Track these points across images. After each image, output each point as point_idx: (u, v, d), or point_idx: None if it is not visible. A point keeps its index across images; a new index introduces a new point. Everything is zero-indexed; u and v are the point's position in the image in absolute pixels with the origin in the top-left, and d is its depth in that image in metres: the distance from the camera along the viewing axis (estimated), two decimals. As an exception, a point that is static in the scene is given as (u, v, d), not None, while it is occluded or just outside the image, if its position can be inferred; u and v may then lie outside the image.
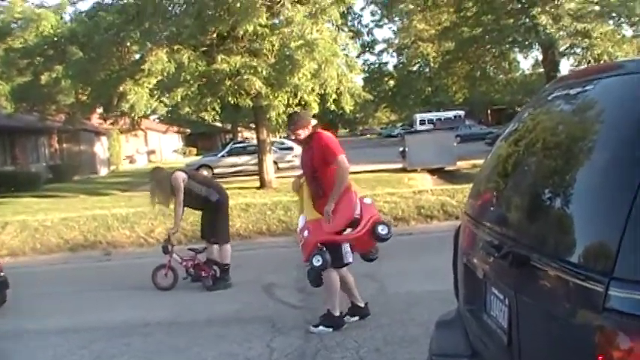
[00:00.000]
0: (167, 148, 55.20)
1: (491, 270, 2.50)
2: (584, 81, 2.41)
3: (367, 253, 6.12)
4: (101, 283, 8.75)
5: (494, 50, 29.54)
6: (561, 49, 26.17)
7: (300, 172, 6.18)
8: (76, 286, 8.65)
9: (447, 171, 23.63)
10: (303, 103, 18.08)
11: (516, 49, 29.46)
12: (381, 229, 5.74)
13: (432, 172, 23.20)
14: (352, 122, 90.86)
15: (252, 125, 23.98)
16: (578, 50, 26.01)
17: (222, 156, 29.93)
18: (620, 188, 1.77)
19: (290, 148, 27.93)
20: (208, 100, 18.74)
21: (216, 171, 28.39)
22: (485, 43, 28.71)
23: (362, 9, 37.36)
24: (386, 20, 32.58)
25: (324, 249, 5.61)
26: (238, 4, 16.33)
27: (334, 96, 18.16)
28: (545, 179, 2.29)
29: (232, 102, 18.48)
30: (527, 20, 25.41)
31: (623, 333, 1.58)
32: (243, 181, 24.03)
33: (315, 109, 18.41)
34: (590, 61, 24.99)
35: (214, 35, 18.01)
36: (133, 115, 18.30)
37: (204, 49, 18.16)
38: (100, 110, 22.95)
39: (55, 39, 20.39)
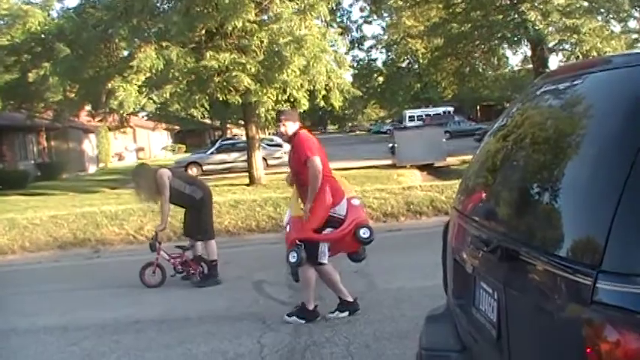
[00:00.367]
0: (156, 146, 55.07)
1: (480, 264, 2.51)
2: (573, 76, 2.41)
3: (354, 253, 6.16)
4: (91, 281, 8.72)
5: (483, 46, 29.63)
6: (550, 44, 26.28)
7: None
8: (66, 284, 8.62)
9: (437, 167, 23.71)
10: (292, 99, 18.08)
11: (505, 45, 29.53)
12: (363, 233, 5.82)
13: (421, 168, 23.28)
14: (341, 119, 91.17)
15: (242, 122, 23.91)
16: (567, 46, 26.13)
17: (212, 153, 29.88)
18: (608, 182, 1.78)
19: (279, 145, 27.91)
20: (197, 96, 18.71)
21: (205, 168, 28.36)
22: (474, 39, 28.78)
23: (351, 5, 37.76)
24: (375, 16, 32.56)
25: (301, 246, 5.71)
26: (227, 1, 16.30)
27: (323, 92, 18.17)
28: (533, 174, 2.30)
29: (221, 99, 18.47)
30: (516, 16, 25.46)
31: (611, 325, 1.59)
32: (233, 177, 24.02)
33: (305, 105, 18.42)
34: (578, 56, 25.08)
35: (203, 32, 17.97)
36: (121, 112, 18.21)
37: (193, 45, 18.10)
38: (88, 107, 22.82)
39: (43, 36, 20.29)
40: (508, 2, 26.76)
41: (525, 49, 30.38)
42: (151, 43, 17.12)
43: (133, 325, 6.32)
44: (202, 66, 17.13)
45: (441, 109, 51.98)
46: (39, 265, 10.61)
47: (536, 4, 23.94)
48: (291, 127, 5.93)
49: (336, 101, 18.69)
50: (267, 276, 7.79)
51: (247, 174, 21.23)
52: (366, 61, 40.66)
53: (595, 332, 1.61)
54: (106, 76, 18.42)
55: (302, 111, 18.39)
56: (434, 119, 47.09)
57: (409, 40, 45.07)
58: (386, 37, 46.80)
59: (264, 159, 24.12)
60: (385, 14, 35.06)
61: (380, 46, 47.05)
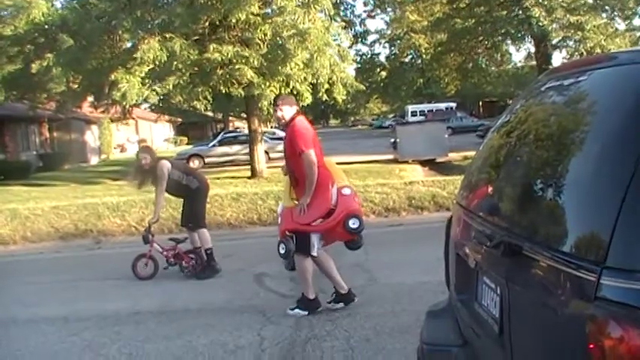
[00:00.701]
0: (158, 137, 55.03)
1: (483, 259, 2.51)
2: (578, 72, 2.41)
3: (350, 242, 6.12)
4: (92, 272, 8.72)
5: (486, 42, 29.62)
6: (554, 41, 26.25)
7: None
8: (67, 275, 8.62)
9: (439, 162, 23.71)
10: (295, 92, 18.07)
11: (509, 42, 29.53)
12: (352, 223, 5.75)
13: (423, 163, 23.28)
14: (344, 113, 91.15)
15: (244, 115, 23.92)
16: (571, 43, 26.09)
17: (214, 145, 29.87)
18: (613, 178, 1.78)
19: (281, 138, 27.86)
20: (200, 89, 18.72)
21: (207, 160, 28.37)
22: (477, 34, 28.78)
23: (354, -1, 37.37)
24: (378, 11, 32.49)
25: (291, 237, 5.71)
26: (231, -7, 16.28)
27: (326, 86, 18.16)
28: (537, 170, 2.30)
29: (224, 91, 18.47)
30: (520, 12, 25.44)
31: (615, 322, 1.58)
32: (235, 170, 24.03)
33: (308, 98, 18.43)
34: (582, 53, 25.06)
35: (206, 24, 17.95)
36: (124, 103, 18.21)
37: (196, 37, 18.10)
38: (90, 99, 22.80)
39: (46, 27, 20.26)
40: (512, -2, 26.73)
41: (529, 46, 30.45)
42: (155, 34, 17.12)
43: (133, 317, 6.33)
44: (205, 58, 17.13)
45: (443, 105, 51.97)
46: (40, 256, 10.62)
47: (540, 1, 23.88)
48: (287, 111, 5.89)
49: (340, 95, 18.70)
50: (268, 269, 7.79)
51: (249, 167, 21.25)
52: (369, 56, 40.62)
53: (598, 328, 1.61)
54: (109, 67, 18.41)
55: (305, 105, 18.39)
56: (436, 115, 47.00)
57: (412, 35, 45.06)
58: (389, 31, 46.78)
59: (266, 152, 24.13)
60: (389, 9, 35.04)
61: (383, 41, 47.01)
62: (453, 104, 52.76)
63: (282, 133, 27.32)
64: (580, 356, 1.69)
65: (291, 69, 17.05)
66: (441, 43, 32.36)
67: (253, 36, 17.42)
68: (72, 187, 21.36)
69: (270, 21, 17.41)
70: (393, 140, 25.13)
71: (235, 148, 28.37)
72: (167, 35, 17.02)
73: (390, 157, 24.65)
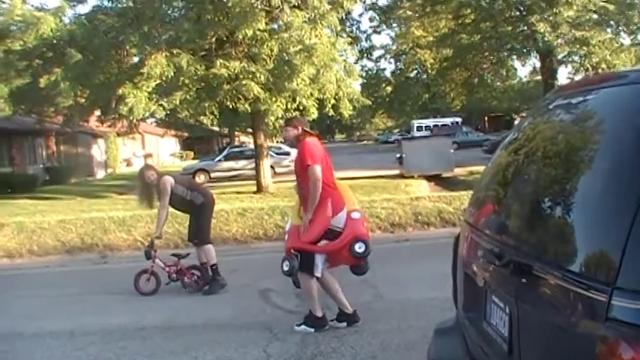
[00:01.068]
0: (164, 152, 55.19)
1: (492, 278, 2.50)
2: (586, 90, 2.41)
3: (355, 267, 6.12)
4: (98, 286, 8.72)
5: (492, 57, 29.68)
6: (559, 56, 26.26)
7: None
8: (73, 289, 8.63)
9: (444, 177, 23.68)
10: (301, 107, 18.12)
11: (514, 57, 29.57)
12: (358, 247, 5.77)
13: (428, 178, 23.25)
14: (349, 128, 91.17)
15: (250, 130, 23.98)
16: (576, 58, 26.09)
17: (220, 160, 29.92)
18: (622, 197, 1.78)
19: (287, 153, 27.93)
20: (207, 104, 18.80)
21: (213, 175, 28.42)
22: (483, 50, 28.83)
23: (360, 15, 37.62)
24: (384, 26, 32.55)
25: (296, 256, 5.73)
26: (237, 9, 16.39)
27: (333, 101, 18.21)
28: (546, 188, 2.30)
29: (230, 106, 18.51)
30: (526, 28, 25.50)
31: (626, 343, 1.57)
32: (240, 185, 24.04)
33: (314, 114, 18.47)
34: (587, 68, 25.08)
35: (213, 40, 18.06)
36: (131, 118, 18.28)
37: (203, 53, 18.19)
38: (97, 113, 22.90)
39: (54, 41, 20.36)
40: (517, 14, 26.80)
41: (534, 61, 30.48)
42: (162, 50, 17.21)
43: (139, 332, 6.31)
44: (212, 74, 17.21)
45: (448, 120, 51.97)
46: (46, 270, 10.63)
47: (545, 16, 23.93)
48: (291, 132, 6.01)
49: (346, 110, 18.74)
50: (274, 284, 7.78)
51: (255, 182, 21.26)
52: (374, 71, 40.69)
53: (609, 349, 1.60)
54: (117, 82, 18.50)
55: (311, 119, 18.42)
56: (442, 129, 47.01)
57: (418, 50, 45.14)
58: (395, 47, 46.84)
59: (272, 167, 24.16)
60: (394, 24, 35.06)
61: (388, 56, 47.08)
62: (459, 119, 52.76)
63: (287, 148, 27.43)
64: (590, 377, 1.68)
65: (298, 84, 17.10)
66: (447, 58, 32.43)
67: (260, 51, 17.50)
68: (78, 200, 21.41)
69: (276, 37, 17.49)
70: (398, 155, 25.14)
71: (241, 162, 28.40)
72: (174, 50, 17.12)
73: (396, 172, 24.64)
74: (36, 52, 21.01)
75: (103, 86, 19.01)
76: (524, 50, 27.26)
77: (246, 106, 17.94)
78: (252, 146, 25.24)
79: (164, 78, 16.97)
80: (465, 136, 46.93)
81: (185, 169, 29.12)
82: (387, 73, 45.93)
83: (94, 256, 11.37)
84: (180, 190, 7.89)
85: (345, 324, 5.89)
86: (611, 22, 25.58)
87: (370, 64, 39.06)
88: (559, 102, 2.61)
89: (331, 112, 19.28)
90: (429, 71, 47.36)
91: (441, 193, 15.41)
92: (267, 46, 17.39)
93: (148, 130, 46.15)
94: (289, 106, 18.09)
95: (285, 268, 5.78)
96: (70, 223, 12.61)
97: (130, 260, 10.66)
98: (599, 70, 24.14)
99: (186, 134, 48.56)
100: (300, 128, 6.00)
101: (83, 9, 24.22)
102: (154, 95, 17.79)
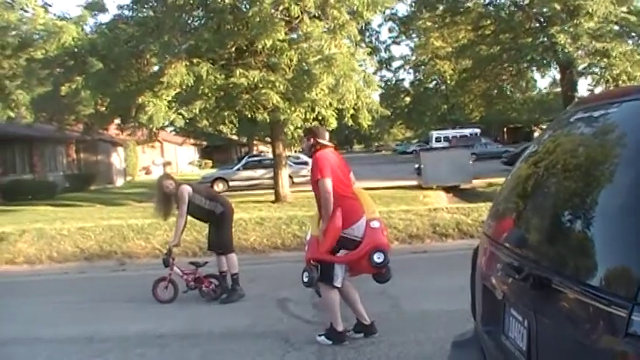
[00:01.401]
0: (183, 160, 55.49)
1: (511, 291, 2.49)
2: (607, 103, 2.40)
3: (378, 275, 6.07)
4: (116, 293, 8.78)
5: (511, 69, 29.54)
6: (579, 68, 26.05)
7: None
8: (91, 296, 8.70)
9: (463, 189, 23.58)
10: (320, 117, 18.14)
11: (534, 68, 29.40)
12: (377, 257, 5.74)
13: (447, 189, 23.18)
14: (367, 138, 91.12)
15: (268, 139, 24.03)
16: (597, 70, 25.90)
17: (238, 169, 30.00)
18: (644, 212, 1.77)
19: (305, 163, 27.95)
20: (226, 113, 18.90)
21: (231, 184, 28.48)
22: (502, 61, 28.72)
23: (380, 25, 37.71)
24: (403, 37, 32.55)
25: (315, 266, 5.72)
26: (257, 19, 16.46)
27: (352, 111, 18.22)
28: (566, 201, 2.29)
29: (249, 115, 18.58)
30: (546, 39, 25.35)
31: (646, 359, 1.57)
32: (258, 194, 24.09)
33: (333, 123, 18.49)
34: (608, 80, 24.89)
35: (233, 49, 18.15)
36: (150, 126, 18.41)
37: (223, 62, 18.28)
38: (117, 121, 23.09)
39: (76, 50, 20.57)
40: (537, 25, 26.68)
41: (554, 72, 30.28)
42: (182, 59, 17.32)
43: (157, 339, 6.34)
44: (232, 83, 17.28)
45: (467, 131, 51.75)
46: (65, 276, 10.72)
47: (565, 28, 23.80)
48: (305, 143, 6.14)
49: (365, 120, 18.74)
50: (291, 294, 7.78)
51: (273, 191, 21.30)
52: (393, 82, 40.68)
53: (629, 365, 1.59)
54: (137, 90, 18.64)
55: (330, 130, 18.44)
56: (460, 141, 46.83)
57: (437, 61, 45.04)
58: (414, 57, 46.79)
59: (290, 176, 24.18)
60: (414, 35, 35.07)
61: (407, 67, 47.06)
62: (478, 130, 52.53)
63: (305, 158, 27.46)
64: (609, 393, 1.67)
65: (317, 94, 17.14)
66: (466, 69, 32.35)
67: (279, 61, 17.55)
68: (97, 208, 21.58)
69: (296, 46, 17.54)
70: (417, 166, 25.07)
71: (259, 172, 28.44)
72: (194, 60, 17.23)
73: (414, 182, 24.58)
74: (57, 61, 21.21)
75: (123, 95, 19.17)
76: (544, 62, 27.08)
77: (265, 115, 17.99)
78: (270, 155, 25.30)
79: (184, 87, 17.07)
80: (484, 148, 46.70)
81: (204, 178, 29.21)
82: (406, 84, 45.95)
83: (113, 263, 11.45)
84: (198, 199, 7.94)
85: (362, 335, 5.88)
86: (633, 34, 25.36)
87: (389, 75, 39.09)
88: (580, 115, 2.60)
89: (350, 122, 19.29)
90: (448, 82, 47.32)
91: (459, 204, 15.36)
92: (287, 55, 17.45)
93: (166, 139, 46.47)
94: (308, 116, 18.11)
95: (305, 280, 5.78)
96: (89, 230, 12.72)
97: (149, 268, 10.71)
98: (620, 82, 23.96)
99: (204, 143, 48.78)
100: (312, 140, 6.02)
101: (104, 18, 24.47)
102: (173, 104, 17.91)
